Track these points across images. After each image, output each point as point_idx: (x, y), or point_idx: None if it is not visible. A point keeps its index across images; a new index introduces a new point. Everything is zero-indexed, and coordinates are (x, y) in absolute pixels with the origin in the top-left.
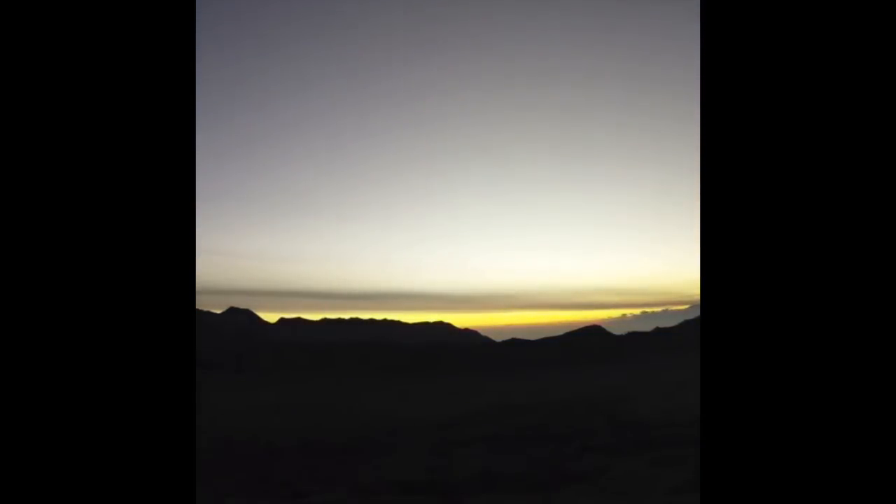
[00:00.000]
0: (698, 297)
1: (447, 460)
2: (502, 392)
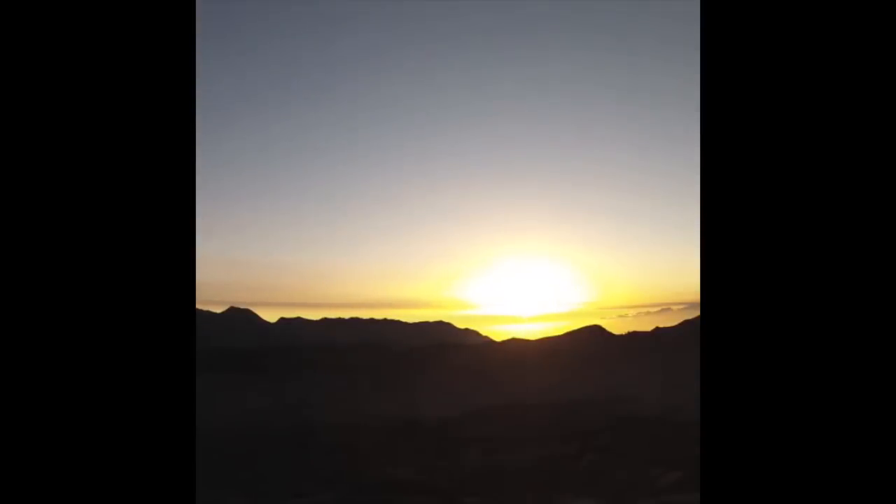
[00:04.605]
0: (698, 297)
1: (447, 460)
2: (502, 392)
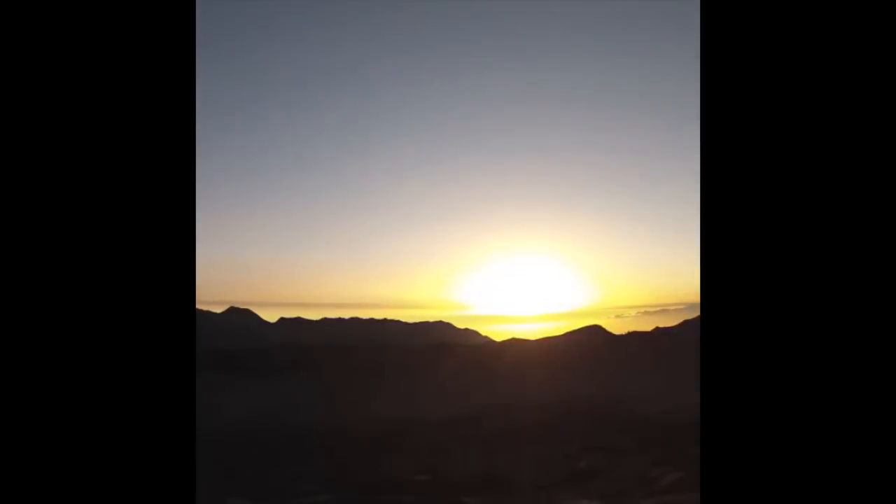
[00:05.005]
0: (698, 297)
1: (447, 460)
2: (502, 392)
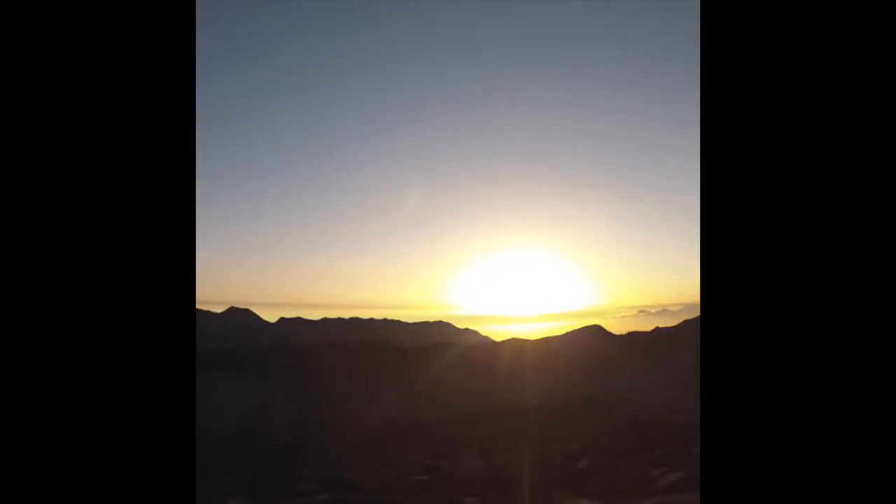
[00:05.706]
0: (698, 297)
1: (447, 460)
2: (502, 392)
